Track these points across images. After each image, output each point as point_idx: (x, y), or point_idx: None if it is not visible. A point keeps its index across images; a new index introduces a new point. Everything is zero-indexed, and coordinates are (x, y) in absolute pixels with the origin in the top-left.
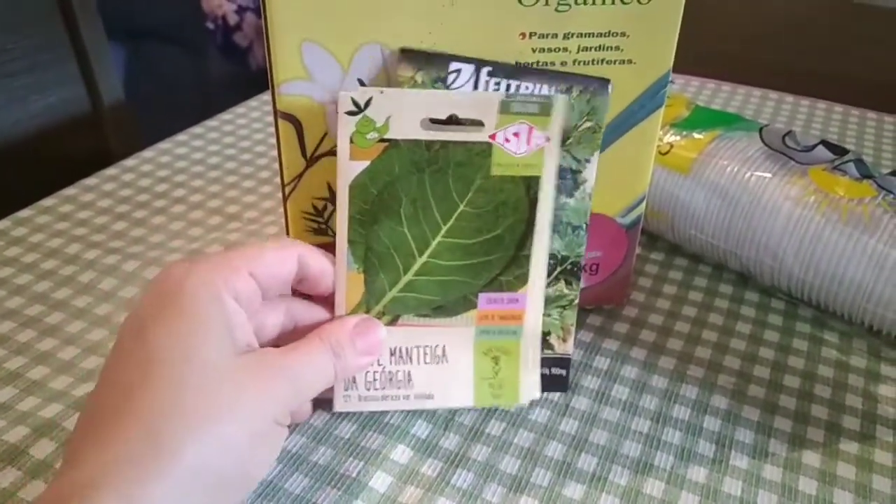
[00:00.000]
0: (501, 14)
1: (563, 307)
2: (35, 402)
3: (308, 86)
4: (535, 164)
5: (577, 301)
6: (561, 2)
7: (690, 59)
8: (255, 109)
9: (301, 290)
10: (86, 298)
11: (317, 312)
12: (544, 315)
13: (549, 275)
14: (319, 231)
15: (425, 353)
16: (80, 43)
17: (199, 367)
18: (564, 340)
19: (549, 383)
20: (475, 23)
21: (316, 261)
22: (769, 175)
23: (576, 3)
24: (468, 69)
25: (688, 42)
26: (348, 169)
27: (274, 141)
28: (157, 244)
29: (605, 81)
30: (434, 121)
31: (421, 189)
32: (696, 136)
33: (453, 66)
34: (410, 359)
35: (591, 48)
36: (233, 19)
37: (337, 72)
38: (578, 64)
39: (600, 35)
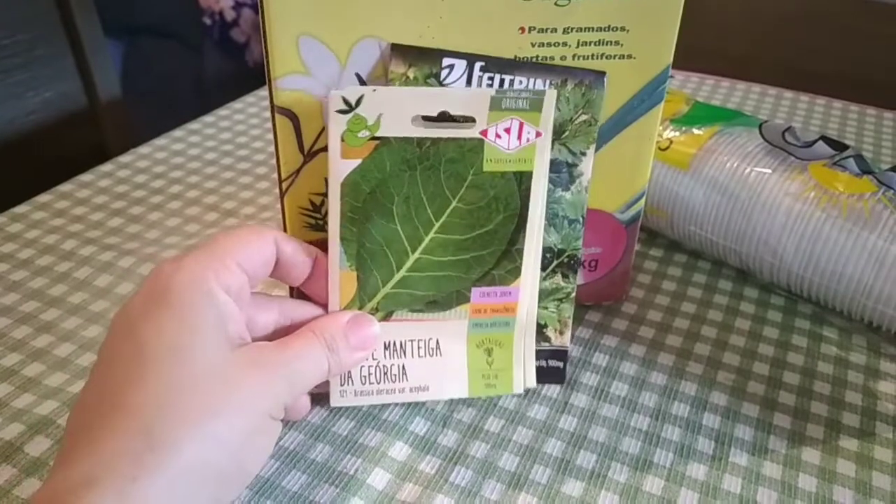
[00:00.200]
0: (501, 8)
1: (560, 300)
2: (30, 398)
3: (305, 80)
4: (527, 159)
5: (573, 294)
6: None
7: (690, 55)
8: (252, 105)
9: (274, 278)
10: (82, 295)
11: (310, 310)
12: (541, 308)
13: (545, 268)
14: (316, 227)
15: (419, 347)
16: (76, 38)
17: (191, 362)
18: (561, 333)
19: (546, 375)
20: (474, 17)
21: (289, 247)
22: (769, 171)
23: None
24: (461, 64)
25: (688, 38)
26: (340, 167)
27: (271, 137)
28: (154, 240)
29: (600, 74)
30: (425, 118)
31: (413, 186)
32: (695, 131)
33: (446, 61)
34: (404, 353)
35: (590, 43)
36: (230, 15)
37: (335, 66)
38: (578, 59)
39: (600, 30)
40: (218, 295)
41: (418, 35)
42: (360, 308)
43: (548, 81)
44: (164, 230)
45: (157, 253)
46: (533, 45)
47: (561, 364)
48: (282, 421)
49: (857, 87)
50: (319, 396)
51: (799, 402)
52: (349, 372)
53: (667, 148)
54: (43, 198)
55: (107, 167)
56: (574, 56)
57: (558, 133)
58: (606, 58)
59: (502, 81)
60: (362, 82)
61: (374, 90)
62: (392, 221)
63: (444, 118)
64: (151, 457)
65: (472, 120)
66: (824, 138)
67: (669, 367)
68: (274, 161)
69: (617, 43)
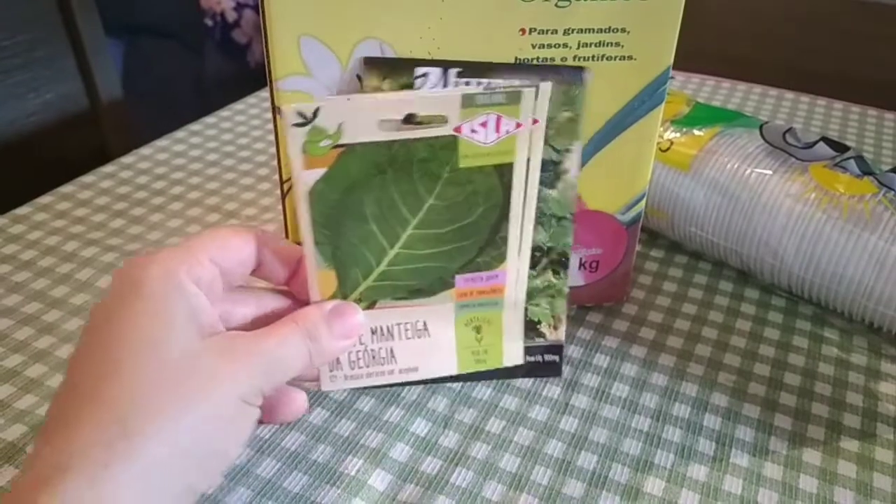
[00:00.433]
0: (501, 9)
1: (553, 296)
2: (33, 399)
3: (307, 82)
4: (507, 151)
5: (566, 289)
6: None
7: (691, 56)
8: (253, 107)
9: (258, 277)
10: (83, 296)
11: (288, 302)
12: (533, 305)
13: (535, 266)
14: None
15: (406, 329)
16: (77, 39)
17: (164, 352)
18: (556, 328)
19: (542, 370)
20: (474, 18)
21: (271, 246)
22: (769, 172)
23: None
24: (436, 72)
25: (688, 39)
26: (304, 178)
27: (272, 137)
28: (155, 242)
29: (579, 70)
30: (405, 121)
31: (384, 189)
32: (696, 132)
33: (419, 70)
34: (392, 336)
35: (591, 44)
36: (231, 16)
37: (336, 67)
38: (578, 60)
39: (601, 31)
40: (188, 287)
41: (419, 36)
42: (343, 298)
43: (527, 82)
44: (165, 231)
45: None
46: (533, 47)
47: (557, 358)
48: (282, 423)
49: (859, 88)
50: (319, 396)
51: (800, 403)
52: (338, 358)
53: (667, 149)
54: (44, 199)
55: (108, 168)
56: (574, 57)
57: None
58: (607, 59)
59: (479, 85)
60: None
61: (330, 101)
62: (366, 223)
63: (412, 122)
64: (124, 444)
65: (444, 120)
66: (825, 139)
67: (670, 368)
68: (275, 162)
69: (617, 44)
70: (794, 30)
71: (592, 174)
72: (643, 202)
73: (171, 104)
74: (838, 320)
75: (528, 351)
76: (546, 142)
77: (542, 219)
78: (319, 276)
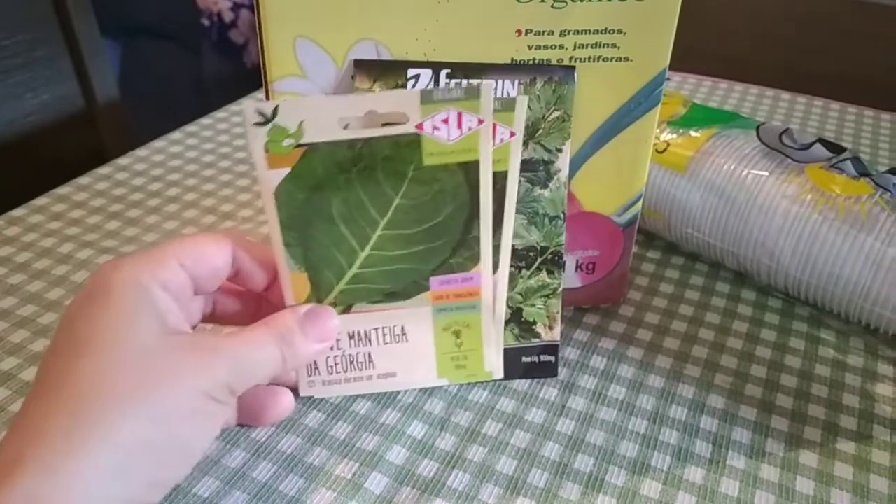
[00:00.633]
0: (497, 11)
1: (547, 296)
2: None
3: (302, 84)
4: (471, 149)
5: (560, 289)
6: None
7: (688, 56)
8: None
9: (237, 284)
10: None
11: (239, 301)
12: (528, 305)
13: (529, 266)
14: None
15: (384, 334)
16: (74, 40)
17: (128, 348)
18: (551, 328)
19: (538, 370)
20: (471, 19)
21: (249, 254)
22: (766, 173)
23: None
24: (426, 74)
25: (685, 39)
26: (269, 177)
27: None
28: (151, 244)
29: (569, 69)
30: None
31: (350, 188)
32: (692, 134)
33: (411, 72)
34: (370, 341)
35: (587, 45)
36: (228, 16)
37: (331, 69)
38: (575, 61)
39: (597, 32)
40: (153, 290)
41: (415, 38)
42: (318, 303)
43: (517, 82)
44: (161, 233)
45: None
46: (530, 48)
47: (552, 358)
48: (267, 425)
49: (855, 88)
50: (315, 400)
51: (796, 404)
52: (315, 362)
53: (664, 150)
54: (40, 201)
55: (104, 170)
56: (571, 58)
57: (532, 132)
58: (603, 60)
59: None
60: None
61: (289, 100)
62: (334, 223)
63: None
64: (80, 433)
65: (405, 118)
66: (821, 140)
67: (667, 369)
68: None
69: (614, 45)
70: (791, 30)
71: (589, 176)
72: (640, 204)
73: (170, 105)
74: (835, 321)
75: (524, 352)
76: (538, 141)
77: (535, 218)
78: (292, 280)
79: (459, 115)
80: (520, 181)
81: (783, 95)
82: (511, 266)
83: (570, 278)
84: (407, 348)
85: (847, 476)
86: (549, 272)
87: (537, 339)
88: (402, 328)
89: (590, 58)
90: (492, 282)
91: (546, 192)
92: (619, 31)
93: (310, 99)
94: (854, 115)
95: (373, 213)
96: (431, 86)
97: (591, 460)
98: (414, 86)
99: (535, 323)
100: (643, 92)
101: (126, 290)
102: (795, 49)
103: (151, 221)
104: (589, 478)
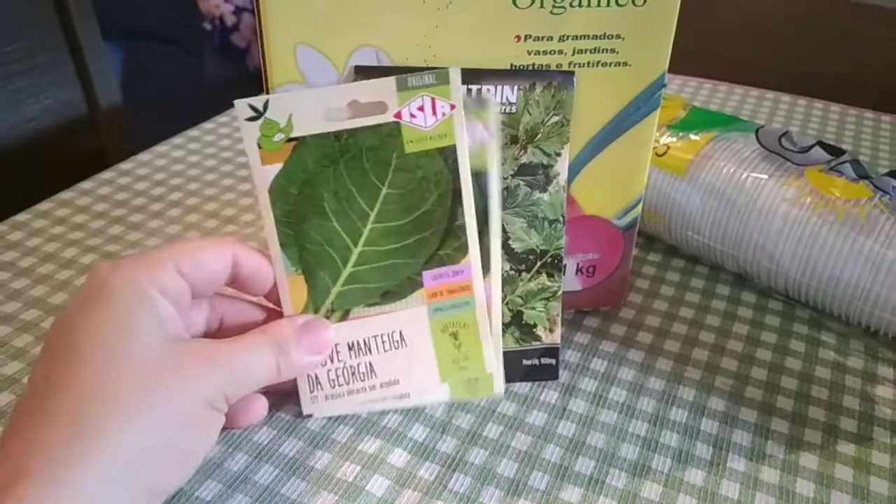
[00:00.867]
0: (496, 17)
1: (547, 299)
2: None
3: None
4: (447, 134)
5: (560, 291)
6: (556, 4)
7: (687, 59)
8: None
9: (237, 290)
10: None
11: (244, 308)
12: (529, 308)
13: (529, 269)
14: None
15: (383, 342)
16: (76, 45)
17: (126, 355)
18: (551, 331)
19: (539, 373)
20: (470, 25)
21: (250, 260)
22: (765, 176)
23: (571, 5)
24: None
25: (685, 41)
26: (263, 174)
27: None
28: (154, 248)
29: (568, 74)
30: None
31: (339, 180)
32: (692, 137)
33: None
34: (369, 349)
35: (586, 50)
36: (230, 20)
37: (332, 75)
38: (574, 66)
39: (596, 37)
40: (153, 294)
41: (415, 44)
42: (315, 310)
43: (516, 87)
44: (164, 237)
45: None
46: (529, 54)
47: (553, 361)
48: (239, 427)
49: (855, 90)
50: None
51: (797, 406)
52: (316, 377)
53: (664, 154)
54: (43, 206)
55: (107, 174)
56: (570, 64)
57: (531, 136)
58: (602, 65)
59: (469, 91)
60: None
61: (277, 94)
62: (327, 219)
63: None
64: (82, 443)
65: (384, 108)
66: (821, 143)
67: (667, 372)
68: None
69: (612, 50)
70: (791, 32)
71: (589, 179)
72: (640, 207)
73: (172, 109)
74: (835, 324)
75: (525, 354)
76: (537, 145)
77: (534, 222)
78: (290, 283)
79: (433, 101)
80: (519, 184)
81: (783, 98)
82: (511, 269)
83: (570, 281)
84: (407, 354)
85: (847, 478)
86: (549, 275)
87: (538, 342)
88: (401, 333)
89: (589, 63)
90: (481, 274)
91: (545, 196)
92: (618, 37)
93: (296, 92)
94: (854, 117)
95: (362, 205)
96: None
97: (592, 463)
98: None
99: (535, 326)
100: (642, 96)
101: (126, 293)
102: (795, 51)
103: (154, 226)
104: (590, 480)
